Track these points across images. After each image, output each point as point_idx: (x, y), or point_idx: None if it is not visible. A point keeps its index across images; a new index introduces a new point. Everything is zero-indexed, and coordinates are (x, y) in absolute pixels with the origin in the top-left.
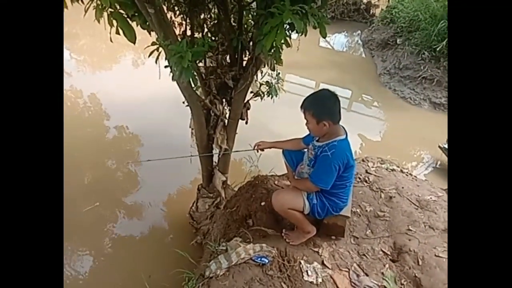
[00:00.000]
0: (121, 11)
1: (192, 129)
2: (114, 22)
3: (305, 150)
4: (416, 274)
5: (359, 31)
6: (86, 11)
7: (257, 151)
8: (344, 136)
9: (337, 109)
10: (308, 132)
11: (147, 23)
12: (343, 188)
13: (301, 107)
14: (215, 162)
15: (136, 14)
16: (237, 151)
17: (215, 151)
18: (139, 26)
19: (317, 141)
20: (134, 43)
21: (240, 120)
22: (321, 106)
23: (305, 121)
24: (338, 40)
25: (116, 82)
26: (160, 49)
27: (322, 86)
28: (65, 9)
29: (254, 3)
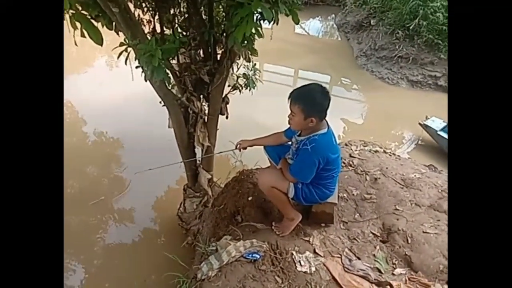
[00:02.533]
0: (84, 12)
1: (170, 127)
2: (78, 24)
3: (288, 143)
4: (406, 252)
5: (333, 15)
6: None
7: (239, 150)
8: (325, 130)
9: (326, 107)
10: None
11: (113, 23)
12: (330, 179)
13: (289, 99)
14: (199, 161)
15: (100, 14)
16: (219, 152)
17: (197, 149)
18: (105, 27)
19: (299, 135)
20: (101, 45)
21: (220, 116)
22: (311, 102)
23: (288, 111)
24: (313, 25)
25: (90, 87)
26: (130, 49)
27: (301, 73)
28: None
29: None
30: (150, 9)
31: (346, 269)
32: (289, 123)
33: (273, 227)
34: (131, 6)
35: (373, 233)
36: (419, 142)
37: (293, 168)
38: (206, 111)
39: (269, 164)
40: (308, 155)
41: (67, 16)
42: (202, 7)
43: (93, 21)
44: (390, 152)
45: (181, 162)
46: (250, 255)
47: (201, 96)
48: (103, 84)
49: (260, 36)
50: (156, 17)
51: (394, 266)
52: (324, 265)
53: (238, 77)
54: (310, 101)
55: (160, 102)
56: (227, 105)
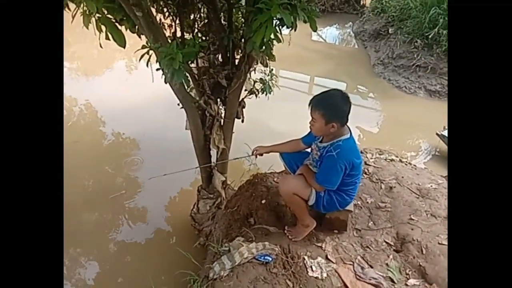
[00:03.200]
0: (109, 16)
1: (187, 129)
2: (103, 27)
3: (306, 150)
4: (421, 263)
5: (350, 23)
6: (73, 18)
7: (256, 157)
8: (348, 135)
9: (347, 112)
10: (308, 132)
11: (136, 27)
12: (353, 185)
13: (310, 105)
14: (214, 163)
15: (125, 18)
16: (235, 158)
17: (213, 151)
18: (128, 30)
19: (321, 141)
20: (124, 47)
21: (236, 119)
22: (333, 108)
23: (304, 120)
24: (330, 33)
25: (110, 88)
26: (151, 52)
27: (317, 79)
28: None
29: (243, 0)
30: (172, 13)
31: (358, 277)
32: (310, 129)
33: (286, 231)
34: (153, 10)
35: (386, 242)
36: (436, 152)
37: (320, 176)
38: (223, 114)
39: (283, 168)
40: (334, 161)
41: (93, 20)
42: (222, 13)
43: (117, 24)
44: (406, 161)
45: (196, 168)
46: (262, 257)
47: (218, 99)
48: (123, 86)
49: (279, 41)
50: (177, 21)
51: (407, 276)
52: (336, 271)
53: (255, 81)
54: (331, 106)
55: (178, 104)
56: (243, 109)
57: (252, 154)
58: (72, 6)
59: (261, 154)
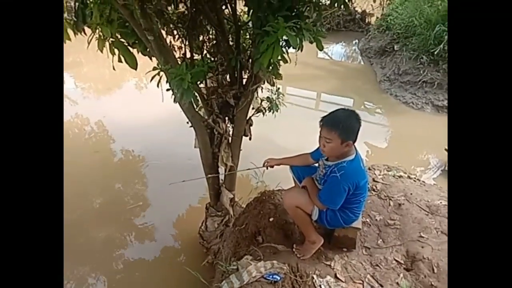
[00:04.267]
0: (122, 40)
1: (196, 147)
2: (116, 50)
3: (315, 165)
4: (432, 283)
5: (356, 40)
6: (89, 43)
7: (267, 168)
8: (353, 156)
9: (359, 129)
10: (316, 147)
11: (148, 50)
12: (357, 203)
13: (323, 125)
14: (222, 180)
15: (137, 41)
16: (247, 169)
17: (221, 169)
18: (140, 52)
19: (327, 159)
20: (136, 69)
21: (244, 137)
22: (349, 127)
23: (310, 136)
24: (336, 50)
25: (121, 107)
26: (161, 73)
27: (323, 96)
28: (68, 41)
29: (250, 22)
30: (181, 36)
31: None
32: (322, 150)
33: (294, 250)
34: (163, 33)
35: (396, 260)
36: (445, 168)
37: (323, 196)
38: (231, 132)
39: (292, 185)
40: (337, 183)
41: (107, 44)
42: (230, 35)
43: (129, 48)
44: (414, 178)
45: (215, 175)
46: (271, 276)
47: (227, 118)
48: (133, 105)
49: (286, 61)
50: (187, 43)
51: None
52: None
53: (262, 100)
54: (348, 127)
55: (188, 123)
56: (251, 127)
57: (263, 166)
58: (87, 31)
59: (272, 166)
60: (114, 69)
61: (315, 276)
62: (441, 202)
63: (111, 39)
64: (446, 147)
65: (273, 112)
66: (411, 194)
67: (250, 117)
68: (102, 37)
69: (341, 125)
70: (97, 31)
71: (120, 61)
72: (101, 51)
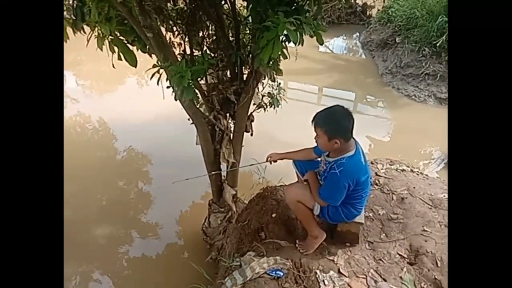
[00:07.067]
0: (121, 37)
1: (197, 144)
2: (115, 48)
3: (318, 159)
4: (436, 276)
5: (357, 33)
6: (88, 41)
7: (270, 163)
8: (353, 152)
9: (350, 127)
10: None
11: (147, 47)
12: (359, 199)
13: (313, 122)
14: (224, 176)
15: (136, 39)
16: (250, 165)
17: (223, 165)
18: (139, 50)
19: (327, 155)
20: (135, 66)
21: (245, 133)
22: (334, 124)
23: (313, 132)
24: (337, 44)
25: (122, 104)
26: (161, 70)
27: (325, 90)
28: (69, 39)
29: (250, 17)
30: (181, 32)
31: None
32: (317, 143)
33: (297, 245)
34: (163, 29)
35: (399, 255)
36: None
37: (323, 193)
38: (232, 129)
39: (294, 180)
40: (337, 180)
41: (106, 42)
42: (230, 30)
43: (128, 45)
44: (417, 171)
45: (217, 172)
46: (274, 272)
47: (228, 114)
48: (134, 103)
49: (286, 57)
50: (186, 39)
51: None
52: (349, 285)
53: (263, 96)
54: (332, 123)
55: (189, 120)
56: (252, 123)
57: (267, 161)
58: (87, 29)
59: (275, 161)
60: (113, 67)
61: (318, 271)
62: (444, 196)
63: (110, 37)
64: None
65: (274, 108)
66: (414, 187)
67: (251, 113)
68: (101, 35)
69: (326, 122)
70: (96, 29)
71: (120, 59)
72: (101, 49)
